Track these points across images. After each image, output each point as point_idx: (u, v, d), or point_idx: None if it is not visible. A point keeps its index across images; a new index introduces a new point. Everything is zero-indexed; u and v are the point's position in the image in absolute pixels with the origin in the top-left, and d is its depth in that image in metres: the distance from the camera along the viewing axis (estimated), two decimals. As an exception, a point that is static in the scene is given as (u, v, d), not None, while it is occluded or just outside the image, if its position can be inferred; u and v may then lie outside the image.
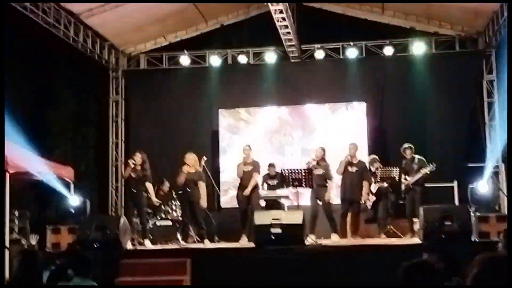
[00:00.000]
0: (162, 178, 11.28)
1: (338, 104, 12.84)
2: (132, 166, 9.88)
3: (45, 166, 9.78)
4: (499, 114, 11.99)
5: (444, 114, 12.41)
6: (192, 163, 10.12)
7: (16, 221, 10.77)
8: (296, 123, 12.97)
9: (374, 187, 10.52)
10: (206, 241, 10.04)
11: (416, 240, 9.29)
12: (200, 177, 10.19)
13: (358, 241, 9.97)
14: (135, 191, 9.89)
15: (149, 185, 9.95)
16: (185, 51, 13.29)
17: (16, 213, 10.27)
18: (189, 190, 10.00)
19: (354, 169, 10.37)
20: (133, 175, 9.88)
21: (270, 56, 13.15)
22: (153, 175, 10.17)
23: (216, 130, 13.04)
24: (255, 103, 13.14)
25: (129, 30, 12.83)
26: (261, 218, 9.09)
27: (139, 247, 9.78)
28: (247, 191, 10.53)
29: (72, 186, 10.78)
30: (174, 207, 10.89)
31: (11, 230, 9.49)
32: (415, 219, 9.87)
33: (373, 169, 10.58)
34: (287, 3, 10.87)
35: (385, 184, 10.45)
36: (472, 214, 9.22)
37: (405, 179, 10.23)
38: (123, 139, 13.61)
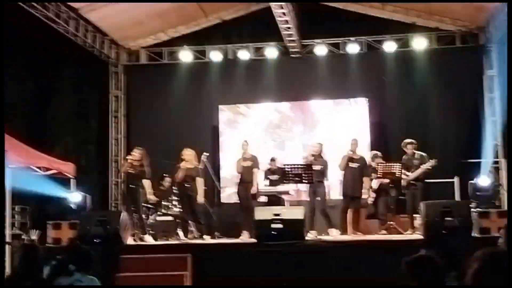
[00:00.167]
0: (163, 173, 11.27)
1: (340, 99, 12.83)
2: (130, 162, 9.87)
3: (45, 161, 9.78)
4: (500, 109, 11.96)
5: (445, 109, 12.42)
6: (189, 158, 10.10)
7: (17, 216, 10.80)
8: (297, 118, 12.96)
9: (375, 183, 10.52)
10: (206, 236, 10.04)
11: (417, 236, 9.28)
12: (198, 172, 10.18)
13: (359, 236, 9.97)
14: (132, 186, 9.89)
15: (146, 182, 9.93)
16: (186, 46, 13.27)
17: (17, 208, 10.29)
18: (187, 186, 9.99)
19: (355, 164, 10.37)
20: (131, 171, 9.88)
21: (271, 51, 13.12)
22: (154, 170, 10.16)
23: (216, 126, 13.03)
24: (255, 99, 13.14)
25: (129, 25, 12.81)
26: (262, 213, 9.08)
27: (140, 243, 9.78)
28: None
29: (72, 181, 10.78)
30: (175, 203, 10.87)
31: (12, 225, 9.50)
32: (415, 215, 9.86)
33: (374, 165, 10.57)
34: None
35: (386, 180, 10.44)
36: (473, 209, 9.20)
37: (406, 175, 10.22)
38: (124, 134, 13.61)
